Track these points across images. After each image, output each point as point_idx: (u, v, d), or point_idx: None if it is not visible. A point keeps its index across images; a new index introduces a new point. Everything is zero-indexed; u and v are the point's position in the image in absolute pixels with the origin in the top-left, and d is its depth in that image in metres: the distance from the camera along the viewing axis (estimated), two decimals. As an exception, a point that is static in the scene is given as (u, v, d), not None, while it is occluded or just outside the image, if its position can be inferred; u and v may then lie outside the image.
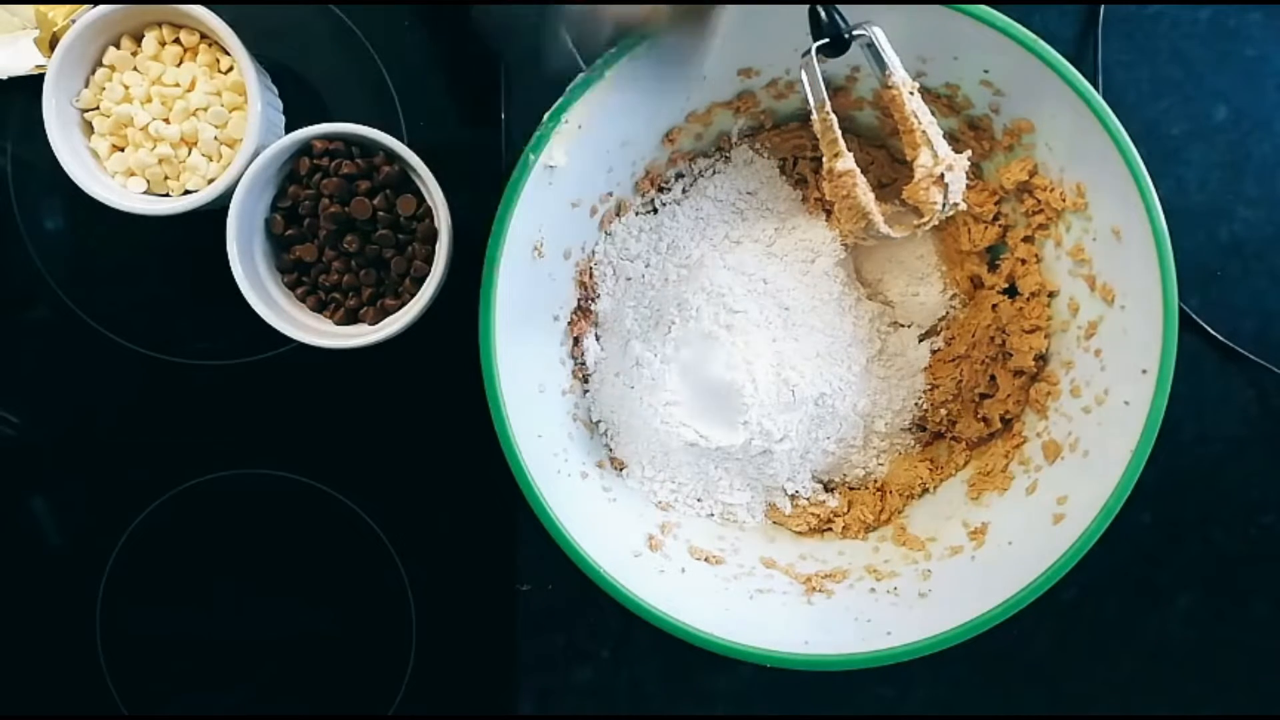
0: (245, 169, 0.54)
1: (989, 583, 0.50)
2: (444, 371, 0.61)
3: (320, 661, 0.63)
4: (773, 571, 0.54)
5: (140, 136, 0.56)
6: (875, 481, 0.59)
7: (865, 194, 0.46)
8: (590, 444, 0.57)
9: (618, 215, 0.57)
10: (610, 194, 0.55)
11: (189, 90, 0.57)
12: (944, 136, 0.46)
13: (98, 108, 0.57)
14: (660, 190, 0.58)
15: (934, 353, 0.59)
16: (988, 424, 0.58)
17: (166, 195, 0.58)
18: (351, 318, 0.58)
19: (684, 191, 0.58)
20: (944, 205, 0.46)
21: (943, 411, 0.58)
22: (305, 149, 0.56)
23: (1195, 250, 0.62)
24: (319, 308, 0.58)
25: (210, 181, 0.56)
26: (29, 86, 0.59)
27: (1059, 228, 0.54)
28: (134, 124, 0.56)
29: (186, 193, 0.57)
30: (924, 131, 0.45)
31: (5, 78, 0.60)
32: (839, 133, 0.46)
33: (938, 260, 0.60)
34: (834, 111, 0.46)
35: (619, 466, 0.57)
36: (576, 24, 0.44)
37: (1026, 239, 0.56)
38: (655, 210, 0.58)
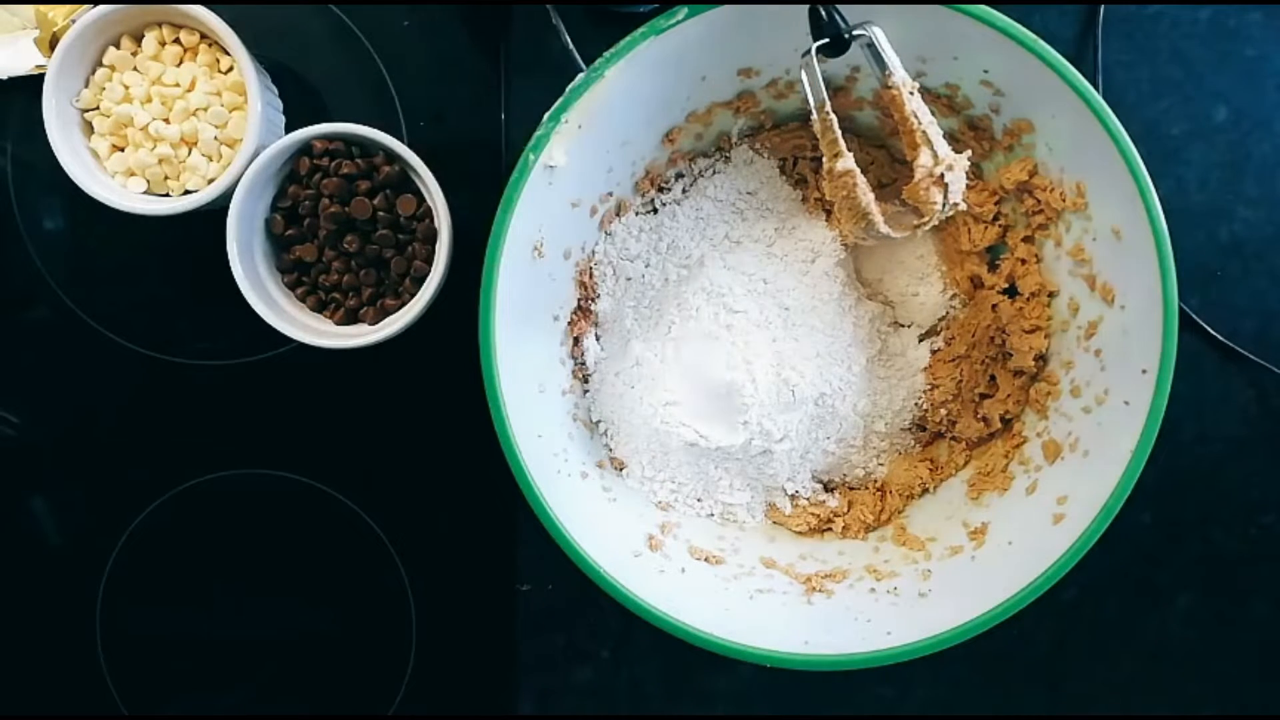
0: (245, 169, 0.54)
1: (989, 583, 0.49)
2: (444, 371, 0.61)
3: (320, 661, 0.63)
4: (773, 571, 0.54)
5: (140, 136, 0.56)
6: (875, 481, 0.59)
7: (865, 194, 0.46)
8: (590, 444, 0.57)
9: (618, 215, 0.57)
10: (610, 194, 0.55)
11: (189, 90, 0.57)
12: (944, 136, 0.46)
13: (98, 108, 0.57)
14: (660, 190, 0.58)
15: (934, 353, 0.59)
16: (988, 424, 0.58)
17: (166, 195, 0.58)
18: (351, 318, 0.58)
19: (684, 191, 0.58)
20: (944, 205, 0.46)
21: (943, 411, 0.58)
22: (305, 149, 0.56)
23: (1195, 250, 0.62)
24: (319, 308, 0.58)
25: (210, 181, 0.56)
26: (29, 86, 0.59)
27: (1059, 228, 0.54)
28: (134, 124, 0.56)
29: (186, 193, 0.57)
30: (924, 131, 0.45)
31: (5, 78, 0.60)
32: (839, 133, 0.46)
33: (938, 260, 0.60)
34: (834, 111, 0.46)
35: (619, 466, 0.57)
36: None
37: (1026, 239, 0.56)
38: (655, 210, 0.58)
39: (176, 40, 0.57)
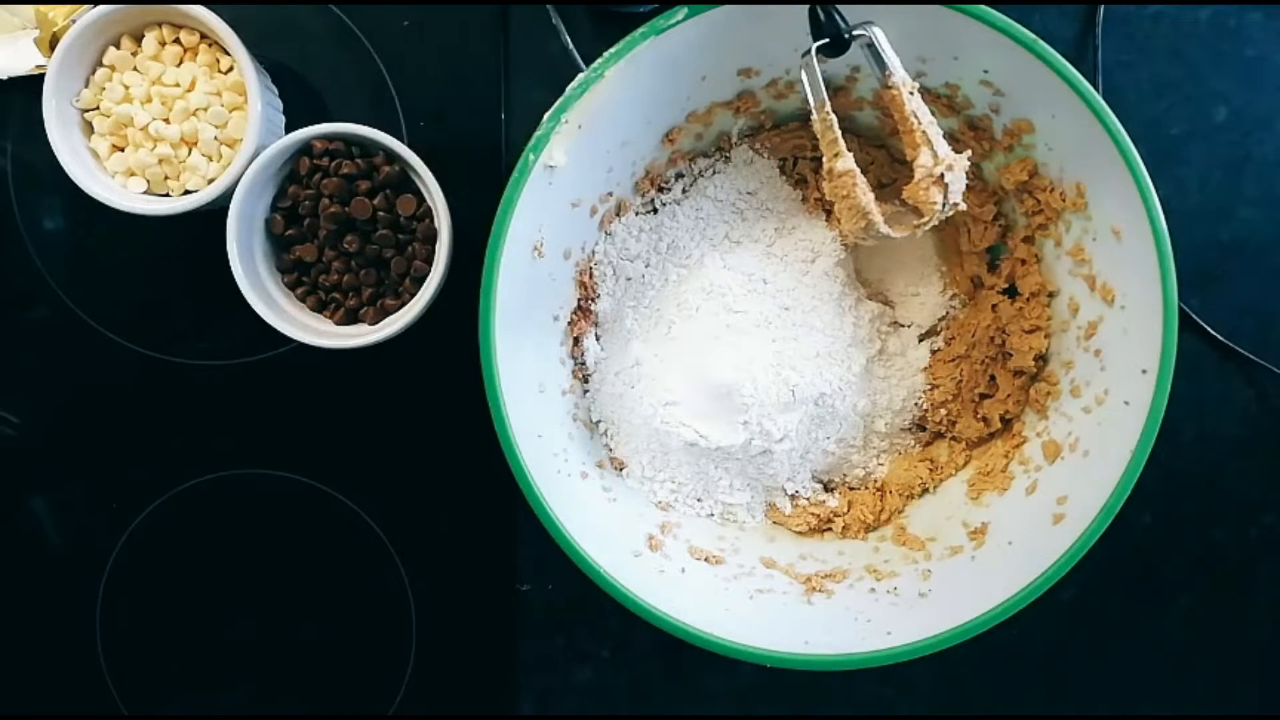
0: (245, 169, 0.54)
1: (989, 583, 0.49)
2: (444, 371, 0.61)
3: (320, 661, 0.63)
4: (773, 571, 0.54)
5: (140, 136, 0.56)
6: (875, 481, 0.59)
7: (865, 194, 0.46)
8: (590, 444, 0.57)
9: (618, 215, 0.57)
10: (610, 194, 0.55)
11: (189, 90, 0.57)
12: (944, 136, 0.46)
13: (98, 108, 0.57)
14: (660, 190, 0.58)
15: (934, 353, 0.59)
16: (988, 424, 0.58)
17: (166, 195, 0.58)
18: (351, 318, 0.58)
19: (684, 191, 0.58)
20: (944, 205, 0.46)
21: (943, 411, 0.58)
22: (305, 149, 0.56)
23: (1195, 250, 0.62)
24: (319, 308, 0.58)
25: (210, 181, 0.56)
26: (29, 86, 0.59)
27: (1059, 228, 0.54)
28: (134, 124, 0.56)
29: (186, 193, 0.57)
30: (924, 131, 0.45)
31: (5, 78, 0.60)
32: (839, 133, 0.46)
33: (938, 260, 0.60)
34: (834, 111, 0.46)
35: (619, 466, 0.57)
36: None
37: (1026, 239, 0.56)
38: (655, 210, 0.58)
39: (176, 40, 0.57)
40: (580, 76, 0.47)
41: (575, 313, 0.56)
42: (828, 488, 0.59)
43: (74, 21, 0.55)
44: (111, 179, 0.57)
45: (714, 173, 0.58)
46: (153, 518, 0.62)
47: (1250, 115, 0.62)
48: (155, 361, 0.62)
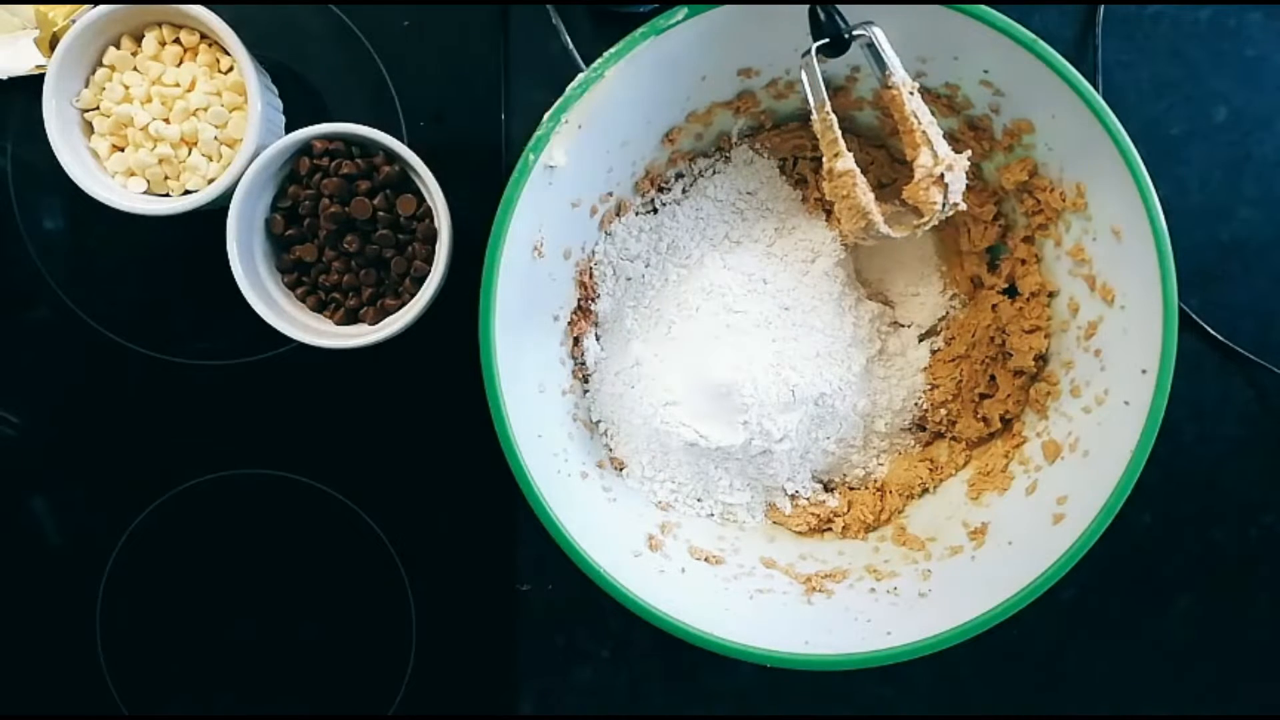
0: (245, 169, 0.54)
1: (989, 583, 0.49)
2: (444, 371, 0.61)
3: (320, 661, 0.63)
4: (773, 571, 0.54)
5: (140, 136, 0.56)
6: (875, 481, 0.59)
7: (865, 194, 0.46)
8: (590, 444, 0.57)
9: (618, 215, 0.57)
10: (610, 194, 0.55)
11: (189, 90, 0.57)
12: (944, 136, 0.46)
13: (98, 108, 0.57)
14: (660, 190, 0.58)
15: (934, 353, 0.59)
16: (988, 424, 0.58)
17: (166, 195, 0.58)
18: (351, 318, 0.58)
19: (684, 191, 0.58)
20: (944, 205, 0.46)
21: (943, 411, 0.58)
22: (305, 149, 0.56)
23: (1195, 250, 0.62)
24: (319, 308, 0.58)
25: (210, 181, 0.56)
26: (29, 86, 0.59)
27: (1059, 228, 0.54)
28: (134, 124, 0.56)
29: (186, 193, 0.57)
30: (924, 131, 0.45)
31: (5, 78, 0.60)
32: (839, 133, 0.46)
33: (938, 260, 0.60)
34: (834, 111, 0.46)
35: (619, 466, 0.57)
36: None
37: (1026, 239, 0.56)
38: (655, 210, 0.58)
39: (176, 40, 0.57)
40: (580, 76, 0.47)
41: (575, 313, 0.56)
42: (828, 488, 0.59)
43: (74, 21, 0.55)
44: (111, 179, 0.57)
45: (714, 173, 0.58)
46: (153, 518, 0.62)
47: (1250, 115, 0.62)
48: (155, 361, 0.62)
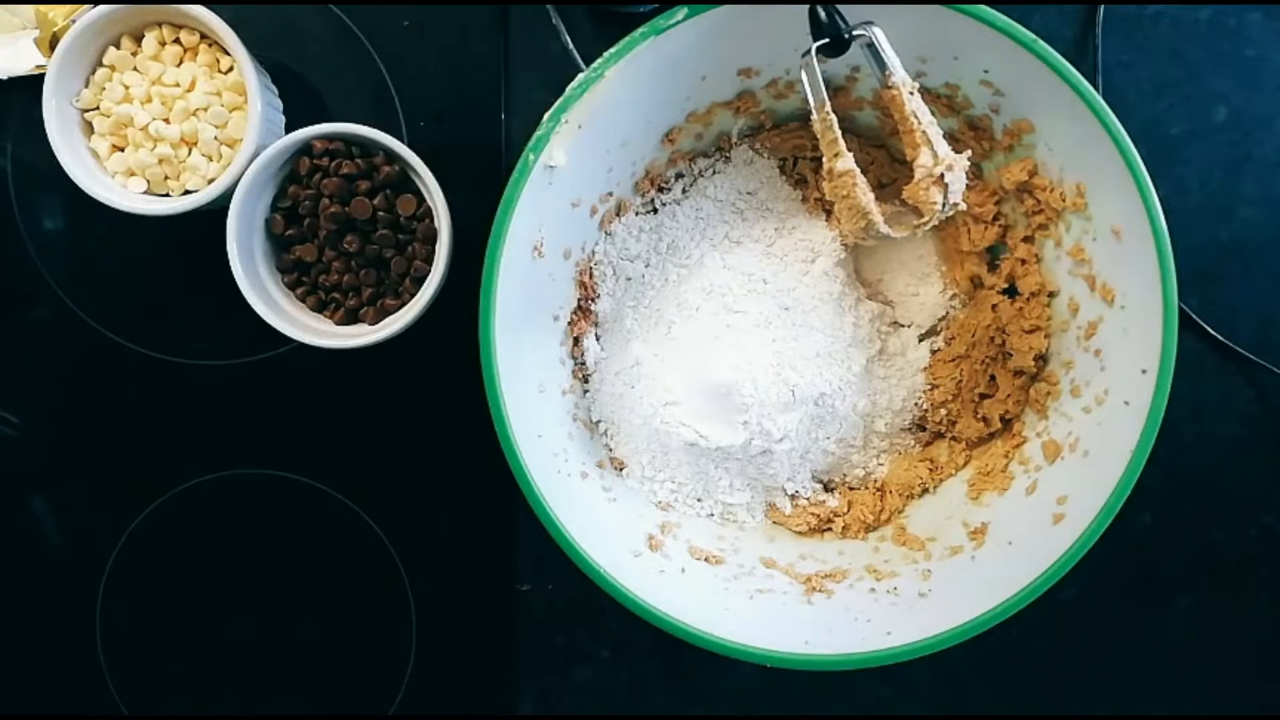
0: (245, 169, 0.54)
1: (989, 583, 0.49)
2: (444, 371, 0.61)
3: (320, 661, 0.63)
4: (773, 571, 0.54)
5: (140, 136, 0.56)
6: (875, 481, 0.59)
7: (865, 194, 0.46)
8: (590, 444, 0.57)
9: (618, 215, 0.57)
10: (610, 194, 0.55)
11: (189, 90, 0.57)
12: (944, 136, 0.46)
13: (98, 108, 0.57)
14: (660, 190, 0.58)
15: (934, 353, 0.59)
16: (988, 424, 0.58)
17: (166, 195, 0.58)
18: (351, 318, 0.58)
19: (684, 191, 0.58)
20: (944, 205, 0.46)
21: (943, 411, 0.58)
22: (305, 149, 0.56)
23: (1195, 250, 0.62)
24: (319, 308, 0.58)
25: (210, 181, 0.56)
26: (29, 86, 0.59)
27: (1059, 228, 0.54)
28: (134, 124, 0.56)
29: (186, 193, 0.57)
30: (924, 131, 0.45)
31: (5, 78, 0.60)
32: (839, 133, 0.46)
33: (938, 260, 0.60)
34: (834, 111, 0.46)
35: (619, 466, 0.57)
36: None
37: (1026, 239, 0.56)
38: (655, 210, 0.58)
39: (176, 40, 0.57)
40: (580, 76, 0.47)
41: (575, 313, 0.56)
42: (828, 488, 0.59)
43: (74, 21, 0.55)
44: (111, 179, 0.57)
45: (714, 173, 0.58)
46: (153, 518, 0.62)
47: (1250, 115, 0.62)
48: (155, 361, 0.62)
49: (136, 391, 0.62)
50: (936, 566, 0.53)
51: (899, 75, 0.45)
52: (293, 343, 0.56)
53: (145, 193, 0.57)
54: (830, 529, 0.58)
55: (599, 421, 0.58)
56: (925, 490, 0.58)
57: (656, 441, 0.55)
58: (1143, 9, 0.62)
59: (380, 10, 0.61)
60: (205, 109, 0.56)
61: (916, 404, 0.59)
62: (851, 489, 0.59)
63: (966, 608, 0.49)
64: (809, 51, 0.45)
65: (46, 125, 0.55)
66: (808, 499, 0.58)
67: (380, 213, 0.56)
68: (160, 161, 0.56)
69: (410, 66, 0.61)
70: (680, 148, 0.57)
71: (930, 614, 0.49)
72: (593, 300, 0.57)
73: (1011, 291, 0.58)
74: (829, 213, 0.58)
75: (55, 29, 0.58)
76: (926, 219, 0.47)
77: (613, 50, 0.47)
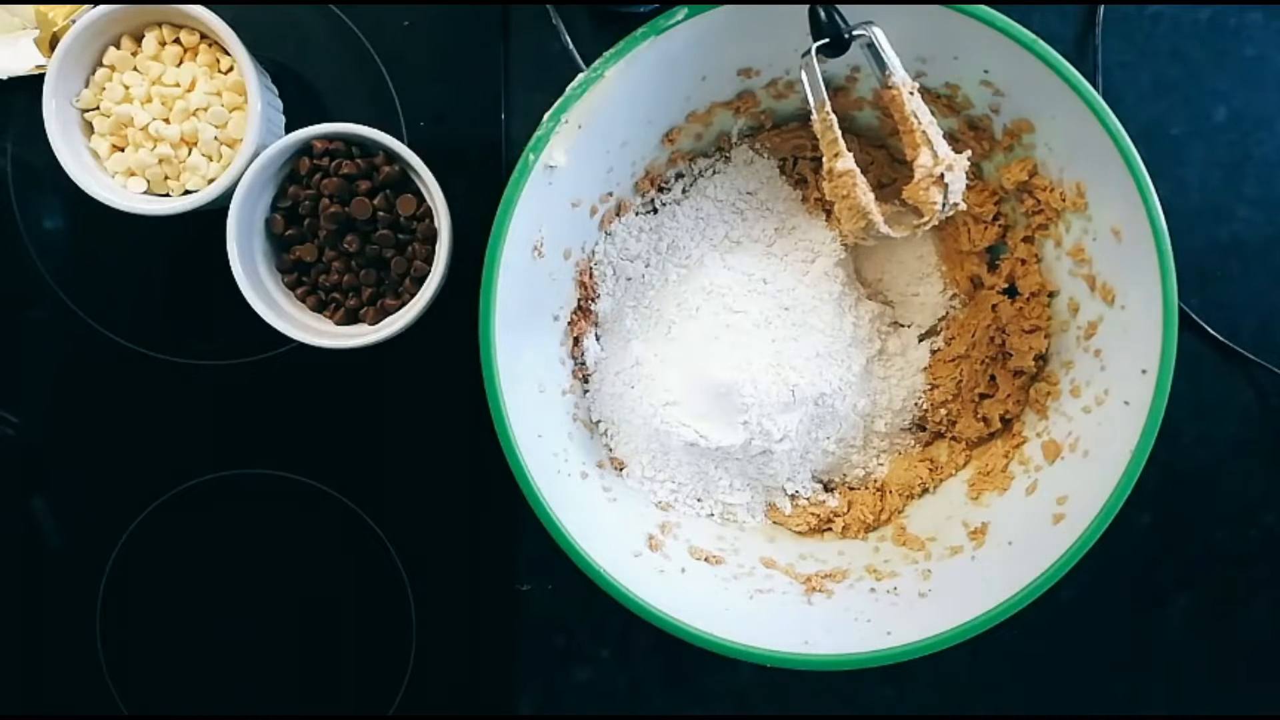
0: (245, 169, 0.54)
1: (989, 583, 0.50)
2: (444, 371, 0.61)
3: (320, 661, 0.63)
4: (773, 571, 0.54)
5: (140, 136, 0.56)
6: (875, 481, 0.59)
7: (865, 194, 0.46)
8: (590, 444, 0.57)
9: (618, 215, 0.57)
10: (610, 194, 0.55)
11: (189, 90, 0.57)
12: (944, 136, 0.46)
13: (98, 108, 0.57)
14: (660, 190, 0.58)
15: (934, 353, 0.59)
16: (988, 424, 0.58)
17: (166, 195, 0.58)
18: (351, 318, 0.58)
19: (684, 191, 0.58)
20: (944, 205, 0.46)
21: (943, 411, 0.58)
22: (305, 149, 0.56)
23: (1195, 250, 0.62)
24: (319, 308, 0.58)
25: (210, 181, 0.56)
26: (29, 86, 0.59)
27: (1059, 228, 0.54)
28: (134, 124, 0.56)
29: (186, 193, 0.57)
30: (924, 131, 0.45)
31: (5, 78, 0.60)
32: (839, 133, 0.46)
33: (938, 260, 0.60)
34: (834, 111, 0.46)
35: (619, 466, 0.57)
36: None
37: (1026, 239, 0.56)
38: (655, 210, 0.58)
39: (176, 40, 0.57)
40: (580, 76, 0.47)
41: (575, 313, 0.56)
42: (828, 488, 0.59)
43: (74, 21, 0.55)
44: (111, 179, 0.57)
45: (714, 173, 0.58)
46: (153, 518, 0.62)
47: (1250, 115, 0.62)
48: (155, 361, 0.62)
49: (136, 391, 0.62)
50: (936, 566, 0.53)
51: (899, 75, 0.45)
52: (293, 343, 0.56)
53: (145, 193, 0.57)
54: (830, 529, 0.58)
55: (599, 421, 0.58)
56: (925, 490, 0.58)
57: (656, 441, 0.55)
58: (1143, 9, 0.62)
59: (380, 10, 0.61)
60: (205, 109, 0.56)
61: (916, 404, 0.59)
62: (851, 489, 0.59)
63: (966, 608, 0.49)
64: (809, 51, 0.45)
65: (46, 125, 0.55)
66: (808, 499, 0.58)
67: (380, 213, 0.56)
68: (160, 161, 0.56)
69: (410, 66, 0.61)
70: (680, 148, 0.57)
71: (930, 614, 0.49)
72: (593, 300, 0.57)
73: (1011, 291, 0.58)
74: (829, 213, 0.58)
75: (55, 29, 0.58)
76: (926, 219, 0.47)
77: (613, 50, 0.47)
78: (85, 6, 0.57)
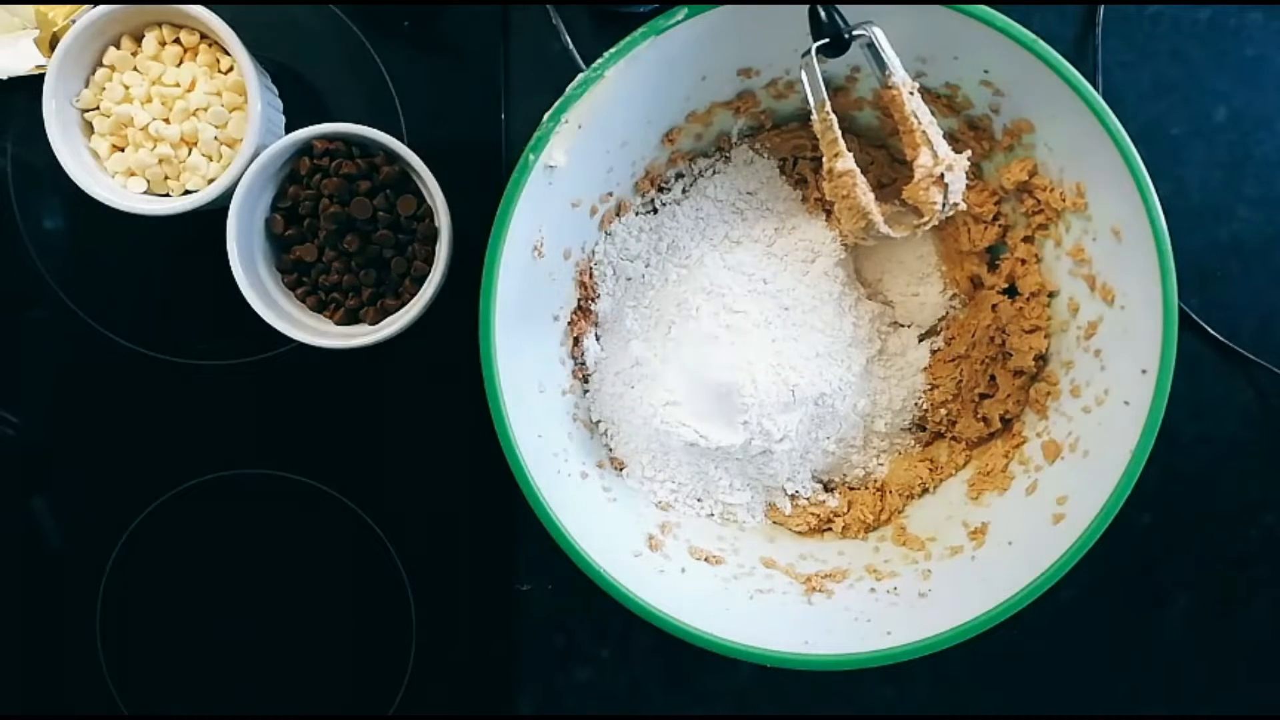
0: (245, 169, 0.54)
1: (989, 583, 0.49)
2: (444, 371, 0.61)
3: (320, 661, 0.63)
4: (773, 571, 0.54)
5: (140, 136, 0.56)
6: (875, 481, 0.59)
7: (865, 194, 0.46)
8: (590, 444, 0.57)
9: (618, 215, 0.57)
10: (610, 194, 0.55)
11: (189, 90, 0.57)
12: (944, 136, 0.46)
13: (98, 108, 0.57)
14: (660, 190, 0.58)
15: (934, 353, 0.59)
16: (988, 424, 0.58)
17: (166, 195, 0.58)
18: (351, 318, 0.58)
19: (684, 191, 0.58)
20: (944, 205, 0.46)
21: (943, 411, 0.58)
22: (305, 149, 0.56)
23: (1195, 250, 0.62)
24: (319, 308, 0.58)
25: (210, 181, 0.56)
26: (29, 86, 0.59)
27: (1059, 228, 0.54)
28: (134, 124, 0.56)
29: (186, 193, 0.57)
30: (924, 131, 0.45)
31: (5, 78, 0.60)
32: (839, 133, 0.46)
33: (938, 260, 0.60)
34: (834, 111, 0.46)
35: (619, 466, 0.57)
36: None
37: (1026, 239, 0.56)
38: (655, 210, 0.58)
39: (176, 40, 0.57)
40: (580, 76, 0.47)
41: (575, 313, 0.56)
42: (828, 488, 0.59)
43: (74, 21, 0.55)
44: (111, 179, 0.57)
45: (714, 173, 0.58)
46: (153, 518, 0.62)
47: (1250, 115, 0.62)
48: (155, 361, 0.62)
49: (137, 391, 0.62)
50: (936, 566, 0.53)
51: (899, 75, 0.45)
52: (293, 343, 0.56)
53: (145, 193, 0.57)
54: (830, 529, 0.58)
55: (599, 421, 0.58)
56: (925, 490, 0.58)
57: (656, 441, 0.55)
58: (1143, 9, 0.62)
59: (380, 10, 0.61)
60: (205, 109, 0.56)
61: (916, 404, 0.59)
62: (851, 489, 0.59)
63: (966, 608, 0.49)
64: (809, 51, 0.45)
65: (46, 125, 0.55)
66: (808, 499, 0.58)
67: (380, 213, 0.56)
68: (160, 161, 0.56)
69: (410, 66, 0.61)
70: (680, 148, 0.57)
71: (930, 614, 0.49)
72: (593, 300, 0.57)
73: (1011, 291, 0.58)
74: (829, 213, 0.58)
75: (55, 29, 0.58)
76: (926, 219, 0.47)
77: (613, 50, 0.47)
78: (85, 6, 0.57)
